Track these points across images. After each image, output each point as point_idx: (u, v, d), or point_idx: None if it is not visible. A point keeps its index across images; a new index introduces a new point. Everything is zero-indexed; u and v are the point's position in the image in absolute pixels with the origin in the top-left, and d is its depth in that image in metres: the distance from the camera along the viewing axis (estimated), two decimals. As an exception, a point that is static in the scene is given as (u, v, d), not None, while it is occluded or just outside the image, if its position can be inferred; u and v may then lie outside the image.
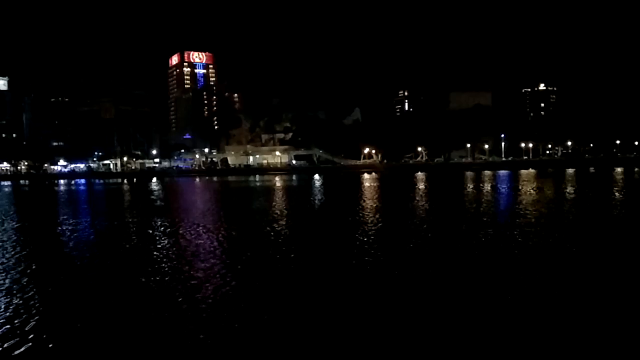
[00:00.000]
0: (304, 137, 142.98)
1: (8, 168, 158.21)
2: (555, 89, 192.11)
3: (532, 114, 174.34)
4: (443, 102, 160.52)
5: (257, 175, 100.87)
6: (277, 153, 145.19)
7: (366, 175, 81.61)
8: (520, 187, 38.37)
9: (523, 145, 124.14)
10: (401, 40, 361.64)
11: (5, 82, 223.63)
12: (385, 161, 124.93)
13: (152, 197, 42.98)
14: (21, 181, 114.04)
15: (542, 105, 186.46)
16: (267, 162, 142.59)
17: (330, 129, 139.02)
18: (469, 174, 74.99)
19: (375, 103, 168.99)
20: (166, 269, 11.43)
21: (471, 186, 42.76)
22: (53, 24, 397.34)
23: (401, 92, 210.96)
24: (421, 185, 46.95)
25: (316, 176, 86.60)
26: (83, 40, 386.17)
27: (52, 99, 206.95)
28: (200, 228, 18.33)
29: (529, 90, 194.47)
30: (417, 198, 31.83)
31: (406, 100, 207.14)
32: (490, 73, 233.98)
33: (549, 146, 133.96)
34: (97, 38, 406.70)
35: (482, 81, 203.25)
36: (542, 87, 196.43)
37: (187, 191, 52.21)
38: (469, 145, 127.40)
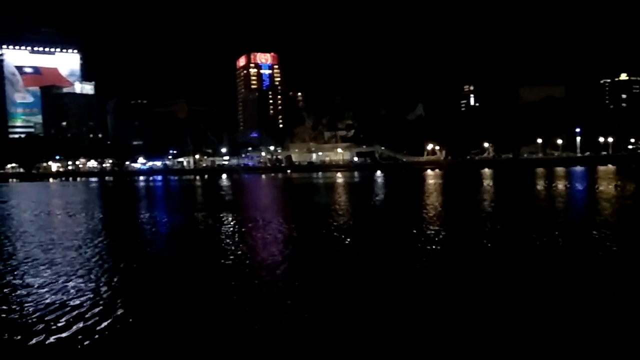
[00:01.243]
0: (366, 134, 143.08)
1: (95, 165, 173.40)
2: (639, 78, 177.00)
3: (611, 106, 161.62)
4: (512, 96, 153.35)
5: (319, 172, 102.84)
6: (339, 150, 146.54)
7: (429, 172, 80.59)
8: (599, 186, 35.58)
9: (602, 139, 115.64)
10: (467, 34, 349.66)
11: (92, 87, 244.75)
12: (449, 157, 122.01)
13: (222, 192, 45.81)
14: (106, 178, 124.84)
15: (624, 96, 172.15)
16: (330, 159, 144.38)
17: (393, 125, 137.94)
18: (540, 170, 71.62)
19: (439, 98, 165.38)
20: (235, 259, 12.42)
21: (543, 184, 40.68)
22: (133, 32, 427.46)
23: (466, 86, 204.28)
24: (488, 183, 45.58)
25: (378, 173, 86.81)
26: (159, 45, 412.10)
27: (132, 102, 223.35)
28: (266, 222, 19.35)
29: (609, 81, 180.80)
30: (484, 196, 30.63)
31: (472, 95, 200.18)
32: (562, 65, 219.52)
33: (632, 140, 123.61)
34: (172, 43, 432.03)
35: (554, 74, 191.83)
36: (623, 77, 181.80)
37: (253, 187, 55.01)
38: (540, 141, 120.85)
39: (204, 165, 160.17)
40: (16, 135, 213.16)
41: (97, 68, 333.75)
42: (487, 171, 75.91)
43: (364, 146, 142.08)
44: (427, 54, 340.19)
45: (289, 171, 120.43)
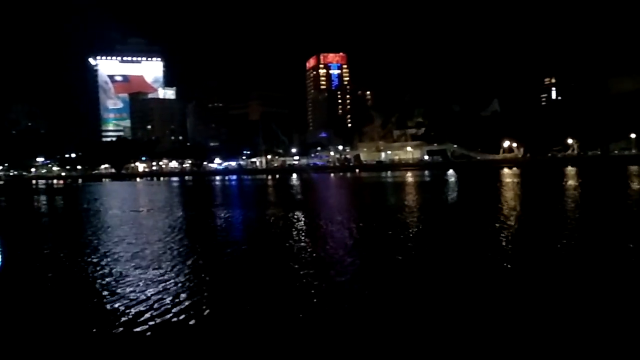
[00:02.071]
0: (437, 132, 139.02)
1: (176, 166, 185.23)
2: None
3: None
4: (599, 88, 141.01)
5: (388, 172, 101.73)
6: (409, 149, 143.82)
7: (506, 171, 76.54)
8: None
9: None
10: (546, 22, 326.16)
11: (174, 92, 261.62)
12: (528, 155, 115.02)
13: (292, 191, 46.97)
14: (186, 177, 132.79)
15: None
16: (399, 158, 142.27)
17: (466, 122, 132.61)
18: (633, 169, 65.27)
19: (516, 93, 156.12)
20: (305, 256, 12.77)
21: (639, 184, 36.99)
22: (209, 39, 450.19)
23: (547, 79, 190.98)
24: (572, 182, 42.28)
25: (450, 172, 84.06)
26: (234, 50, 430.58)
27: (210, 105, 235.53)
28: (335, 220, 19.57)
29: None
30: (567, 198, 28.12)
31: (553, 88, 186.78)
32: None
33: None
34: (245, 47, 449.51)
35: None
36: None
37: (322, 186, 55.74)
38: (633, 136, 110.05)
39: (275, 165, 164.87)
40: (108, 139, 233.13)
41: (178, 74, 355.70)
42: (571, 169, 70.59)
43: (435, 144, 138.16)
44: (502, 46, 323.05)
45: (357, 170, 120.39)
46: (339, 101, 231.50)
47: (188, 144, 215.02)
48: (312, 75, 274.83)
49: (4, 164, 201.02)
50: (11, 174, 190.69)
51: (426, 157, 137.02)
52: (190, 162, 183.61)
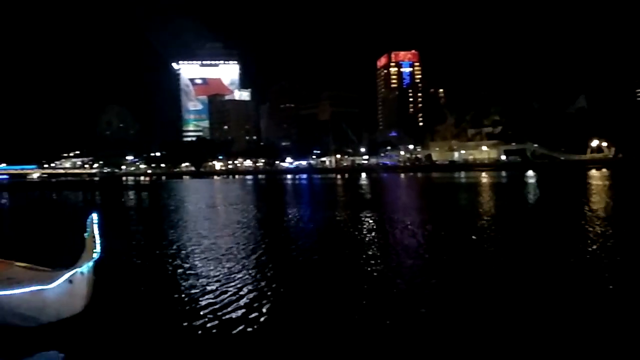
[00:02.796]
0: (516, 130, 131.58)
1: (250, 165, 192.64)
2: None
3: None
4: None
5: (462, 172, 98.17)
6: (484, 148, 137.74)
7: (594, 172, 70.70)
8: None
9: None
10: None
11: (249, 94, 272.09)
12: (620, 155, 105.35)
13: (361, 191, 47.01)
14: (259, 176, 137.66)
15: None
16: (474, 158, 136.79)
17: (548, 119, 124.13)
18: None
19: (606, 88, 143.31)
20: (372, 259, 12.73)
21: None
22: (284, 42, 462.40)
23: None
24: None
25: (529, 172, 79.25)
26: (305, 50, 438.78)
27: (281, 106, 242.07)
28: (404, 222, 19.32)
29: None
30: None
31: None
32: None
33: None
34: (316, 47, 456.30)
35: None
36: None
37: (392, 186, 55.17)
38: None
39: (345, 164, 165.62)
40: (189, 139, 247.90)
41: (253, 76, 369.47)
42: (671, 172, 63.54)
43: (514, 144, 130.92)
44: (589, 38, 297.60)
45: (428, 171, 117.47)
46: (410, 99, 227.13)
47: (261, 143, 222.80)
48: (382, 73, 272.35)
49: (99, 162, 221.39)
50: (104, 171, 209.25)
51: (503, 157, 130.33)
52: (263, 161, 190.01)
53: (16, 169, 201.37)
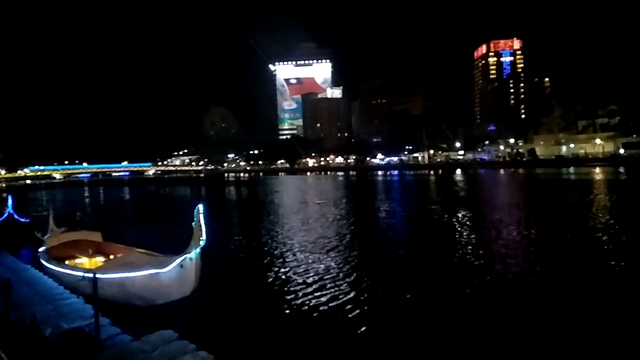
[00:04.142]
0: (638, 121, 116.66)
1: (341, 161, 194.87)
2: None
3: None
4: None
5: (570, 167, 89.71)
6: (598, 141, 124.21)
7: None
8: None
9: None
10: None
11: (340, 91, 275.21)
12: None
13: (456, 188, 45.17)
14: (350, 172, 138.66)
15: None
16: (585, 152, 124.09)
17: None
18: None
19: None
20: (465, 259, 12.16)
21: None
22: (376, 38, 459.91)
23: None
24: None
25: (653, 168, 69.98)
26: (397, 46, 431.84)
27: (373, 102, 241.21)
28: (504, 221, 18.11)
29: None
30: None
31: None
32: None
33: None
34: (407, 41, 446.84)
35: None
36: None
37: (490, 183, 52.22)
38: None
39: (438, 160, 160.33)
40: (284, 137, 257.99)
41: (345, 74, 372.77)
42: None
43: (635, 135, 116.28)
44: None
45: (531, 166, 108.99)
46: (511, 91, 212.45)
47: (352, 140, 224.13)
48: (480, 64, 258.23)
49: (204, 160, 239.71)
50: (209, 167, 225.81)
51: (621, 151, 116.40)
52: (354, 157, 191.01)
53: (135, 166, 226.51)
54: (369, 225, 19.41)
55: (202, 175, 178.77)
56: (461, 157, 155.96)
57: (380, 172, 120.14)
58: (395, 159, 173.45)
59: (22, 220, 17.38)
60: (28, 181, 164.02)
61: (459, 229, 17.19)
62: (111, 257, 10.51)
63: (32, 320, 5.47)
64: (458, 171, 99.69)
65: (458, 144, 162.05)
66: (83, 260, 10.59)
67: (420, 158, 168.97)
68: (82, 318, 6.41)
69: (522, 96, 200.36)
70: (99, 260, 10.53)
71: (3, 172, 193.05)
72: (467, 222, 18.85)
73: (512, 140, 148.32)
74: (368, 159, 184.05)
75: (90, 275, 6.79)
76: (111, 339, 5.74)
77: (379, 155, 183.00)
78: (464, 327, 6.97)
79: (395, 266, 11.41)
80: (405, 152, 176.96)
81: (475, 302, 8.15)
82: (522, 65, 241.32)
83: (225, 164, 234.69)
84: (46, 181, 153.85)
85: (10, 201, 17.39)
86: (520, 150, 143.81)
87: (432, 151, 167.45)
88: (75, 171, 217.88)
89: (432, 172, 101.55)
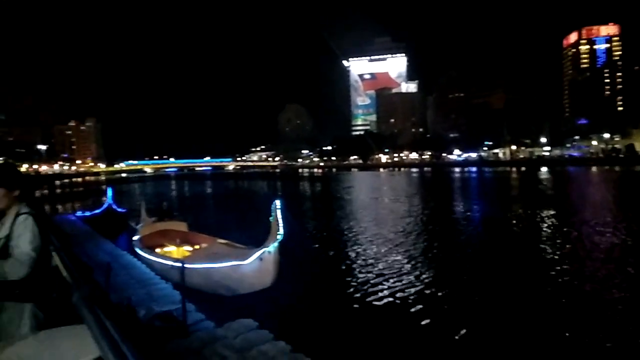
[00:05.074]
0: None
1: (415, 157, 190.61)
2: None
3: None
4: None
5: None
6: None
7: None
8: None
9: None
10: None
11: (416, 85, 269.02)
12: None
13: (541, 186, 42.23)
14: (424, 168, 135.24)
15: None
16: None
17: None
18: None
19: None
20: (553, 265, 11.38)
21: None
22: (452, 28, 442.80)
23: None
24: None
25: None
26: (476, 37, 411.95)
27: (450, 96, 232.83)
28: (596, 226, 16.49)
29: None
30: None
31: None
32: None
33: None
34: (487, 33, 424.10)
35: None
36: None
37: (581, 182, 48.19)
38: None
39: (521, 156, 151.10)
40: (357, 133, 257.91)
41: (420, 67, 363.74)
42: None
43: None
44: None
45: (629, 163, 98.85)
46: (606, 81, 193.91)
47: (428, 135, 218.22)
48: (570, 53, 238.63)
49: (280, 155, 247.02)
50: (284, 163, 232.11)
51: None
52: (429, 153, 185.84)
53: (216, 162, 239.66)
54: (442, 223, 18.84)
55: (277, 170, 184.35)
56: (547, 154, 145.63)
57: (457, 169, 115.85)
58: (473, 155, 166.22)
59: (120, 210, 19.09)
60: (123, 174, 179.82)
61: (543, 232, 15.99)
62: (196, 246, 11.20)
63: (128, 303, 5.99)
64: (544, 168, 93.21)
65: (544, 139, 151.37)
66: (171, 249, 11.39)
67: (501, 154, 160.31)
68: (171, 303, 6.90)
69: (620, 87, 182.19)
70: (186, 249, 11.26)
71: (103, 166, 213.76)
72: (553, 226, 17.46)
73: (606, 135, 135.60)
74: (444, 155, 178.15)
75: (179, 264, 7.28)
76: (196, 324, 6.11)
77: (456, 151, 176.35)
78: (535, 334, 6.53)
79: (468, 266, 10.99)
80: (485, 148, 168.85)
81: (551, 310, 7.61)
82: (619, 52, 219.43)
83: (300, 160, 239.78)
84: (138, 175, 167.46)
85: (109, 193, 19.18)
86: (617, 145, 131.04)
87: (514, 147, 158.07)
88: (163, 166, 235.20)
89: (514, 169, 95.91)
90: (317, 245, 14.29)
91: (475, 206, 25.47)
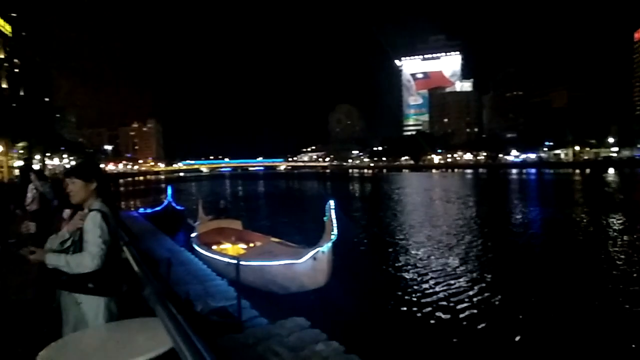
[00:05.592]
0: None
1: (470, 158, 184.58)
2: None
3: None
4: None
5: None
6: None
7: None
8: None
9: None
10: None
11: (470, 84, 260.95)
12: None
13: (608, 189, 39.58)
14: (479, 170, 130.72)
15: None
16: None
17: None
18: None
19: None
20: (616, 273, 10.83)
21: None
22: (510, 24, 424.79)
23: None
24: None
25: None
26: (536, 35, 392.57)
27: (507, 94, 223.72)
28: None
29: None
30: None
31: None
32: None
33: None
34: (551, 24, 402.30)
35: None
36: None
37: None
38: None
39: (586, 157, 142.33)
40: (408, 133, 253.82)
41: (476, 65, 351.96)
42: None
43: None
44: None
45: None
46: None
47: (483, 135, 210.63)
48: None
49: (330, 156, 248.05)
50: (334, 164, 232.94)
51: None
52: (484, 154, 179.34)
53: (269, 162, 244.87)
54: (497, 227, 18.17)
55: (328, 170, 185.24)
56: (615, 155, 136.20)
57: (514, 170, 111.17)
58: (532, 155, 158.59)
59: (178, 208, 19.95)
60: (181, 173, 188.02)
61: (609, 239, 15.02)
62: (251, 244, 11.49)
63: (187, 297, 6.24)
64: (611, 170, 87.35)
65: (611, 140, 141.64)
66: (227, 246, 11.76)
67: (562, 155, 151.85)
68: (226, 299, 7.12)
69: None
70: (241, 247, 11.58)
71: (163, 165, 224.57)
72: (620, 232, 16.37)
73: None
74: (500, 155, 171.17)
75: (234, 261, 7.50)
76: (250, 321, 6.26)
77: (513, 152, 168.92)
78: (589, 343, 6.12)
79: (525, 272, 10.58)
80: (545, 149, 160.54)
81: (615, 320, 7.11)
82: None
83: (350, 160, 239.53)
84: (195, 174, 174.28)
85: (169, 191, 20.09)
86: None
87: (577, 147, 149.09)
88: (218, 165, 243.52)
89: (577, 171, 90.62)
90: (369, 246, 14.24)
91: (534, 209, 24.30)
